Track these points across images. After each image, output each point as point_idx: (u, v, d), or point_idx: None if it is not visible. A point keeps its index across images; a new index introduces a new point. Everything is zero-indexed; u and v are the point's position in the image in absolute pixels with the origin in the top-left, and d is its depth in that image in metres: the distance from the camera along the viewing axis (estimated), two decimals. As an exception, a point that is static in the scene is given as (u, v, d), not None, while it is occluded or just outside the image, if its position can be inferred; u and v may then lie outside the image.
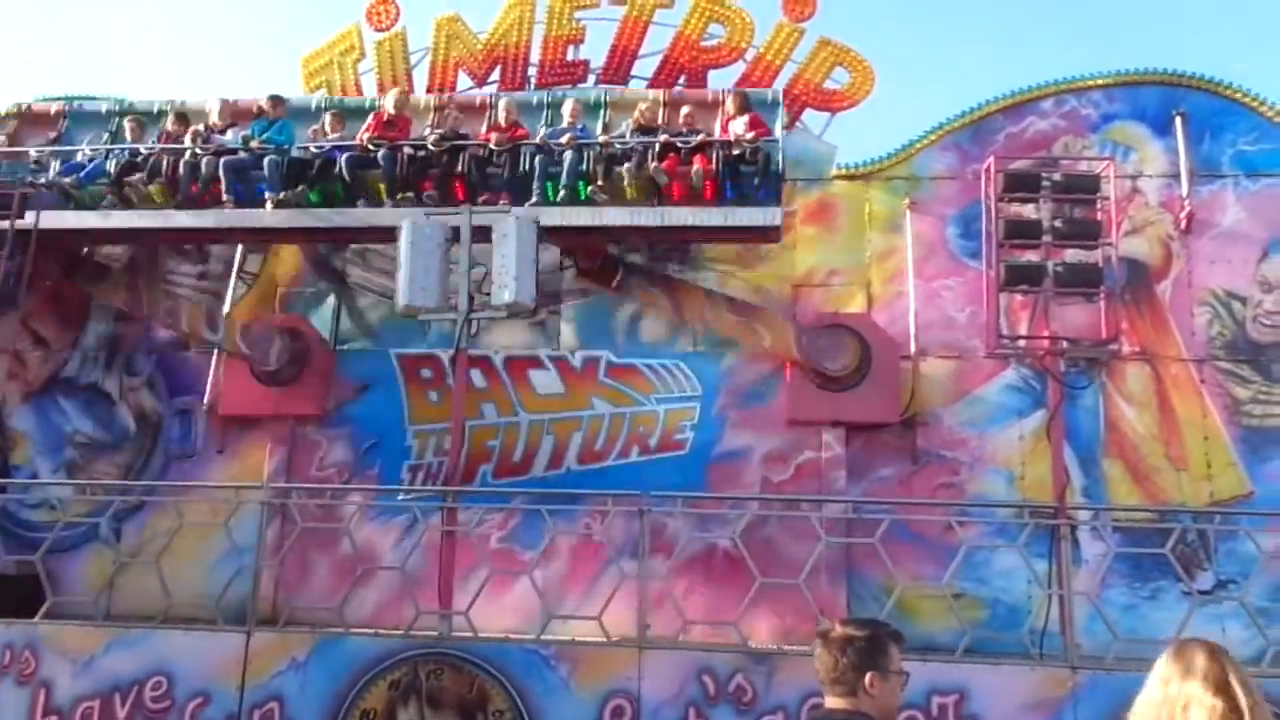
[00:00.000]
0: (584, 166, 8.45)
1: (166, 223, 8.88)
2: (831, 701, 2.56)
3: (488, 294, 7.83)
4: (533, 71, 10.69)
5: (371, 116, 9.05)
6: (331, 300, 10.40)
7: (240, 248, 10.32)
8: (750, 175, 8.37)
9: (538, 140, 8.68)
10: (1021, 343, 8.67)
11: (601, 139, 8.70)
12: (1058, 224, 8.18)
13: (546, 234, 8.06)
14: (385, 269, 10.05)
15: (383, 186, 8.61)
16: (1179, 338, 9.26)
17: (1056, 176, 8.44)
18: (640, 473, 9.33)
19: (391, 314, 9.54)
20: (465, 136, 8.81)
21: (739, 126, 8.56)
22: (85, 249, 9.70)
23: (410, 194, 8.46)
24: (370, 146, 8.67)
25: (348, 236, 9.38)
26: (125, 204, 8.87)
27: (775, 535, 8.68)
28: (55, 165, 9.15)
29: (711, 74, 10.49)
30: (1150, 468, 9.02)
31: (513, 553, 9.01)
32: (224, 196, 8.68)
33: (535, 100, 9.40)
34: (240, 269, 10.42)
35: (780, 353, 9.29)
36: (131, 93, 11.53)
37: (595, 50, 10.67)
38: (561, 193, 8.40)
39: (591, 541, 8.71)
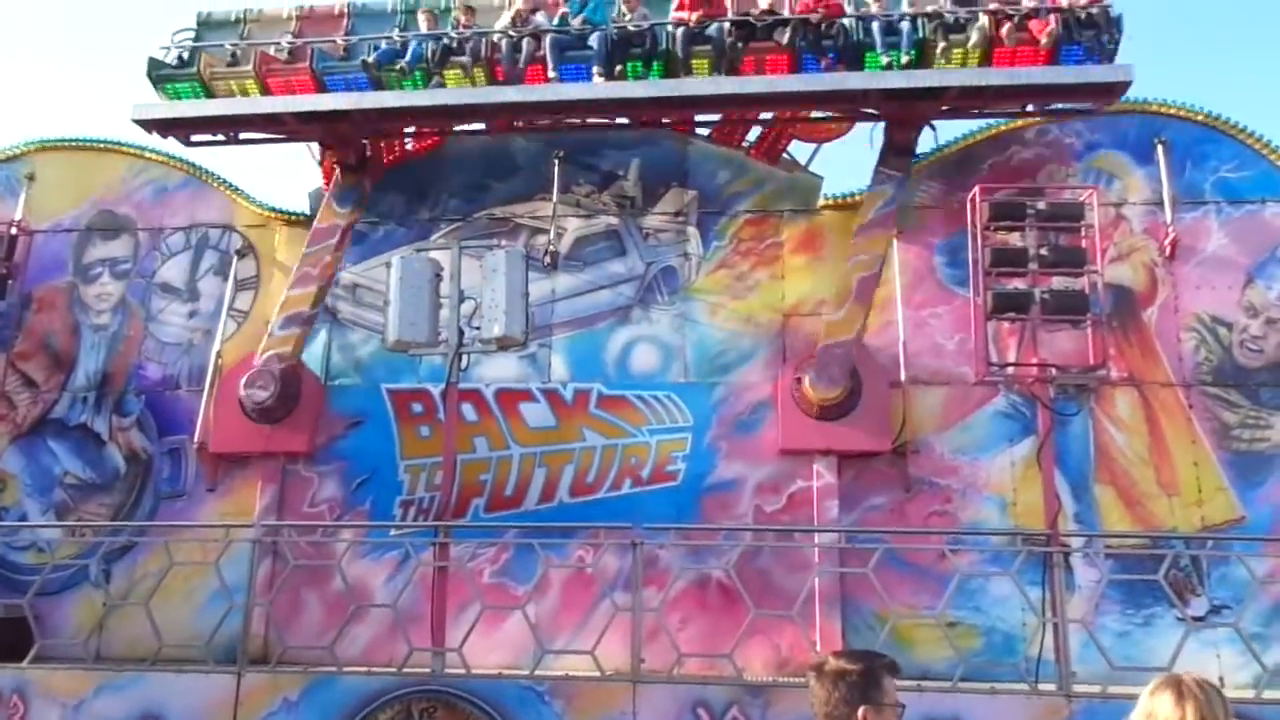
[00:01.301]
0: (918, 36, 8.70)
1: (499, 99, 9.19)
2: None
3: (478, 328, 7.86)
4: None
5: None
6: (323, 336, 10.41)
7: (230, 285, 10.35)
8: (1087, 39, 8.57)
9: (859, 13, 8.96)
10: (1010, 370, 8.72)
11: (930, 9, 8.92)
12: (1043, 252, 8.28)
13: (882, 99, 8.84)
14: (375, 304, 10.08)
15: (707, 62, 8.88)
16: (1166, 363, 9.32)
17: (1041, 205, 8.55)
18: (633, 504, 9.31)
19: (382, 349, 9.54)
20: (779, 14, 9.01)
21: None
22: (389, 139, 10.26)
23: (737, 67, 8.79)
24: (696, 22, 8.84)
25: (675, 109, 9.59)
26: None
27: (769, 566, 8.66)
28: (367, 53, 9.34)
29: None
30: (1141, 493, 9.03)
31: (506, 587, 8.96)
32: (550, 73, 8.92)
33: None
34: (231, 306, 10.44)
35: (824, 330, 9.40)
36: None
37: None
38: (904, 58, 8.68)
39: (584, 574, 8.68)
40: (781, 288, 9.99)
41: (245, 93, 9.64)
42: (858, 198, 10.07)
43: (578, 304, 10.17)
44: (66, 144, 11.31)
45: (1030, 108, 9.51)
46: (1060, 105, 9.37)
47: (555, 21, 9.23)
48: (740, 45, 8.88)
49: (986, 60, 8.79)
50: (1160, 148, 9.71)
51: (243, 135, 10.09)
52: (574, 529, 8.80)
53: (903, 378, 9.40)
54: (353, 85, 9.39)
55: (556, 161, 10.24)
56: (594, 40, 8.92)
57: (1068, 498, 8.89)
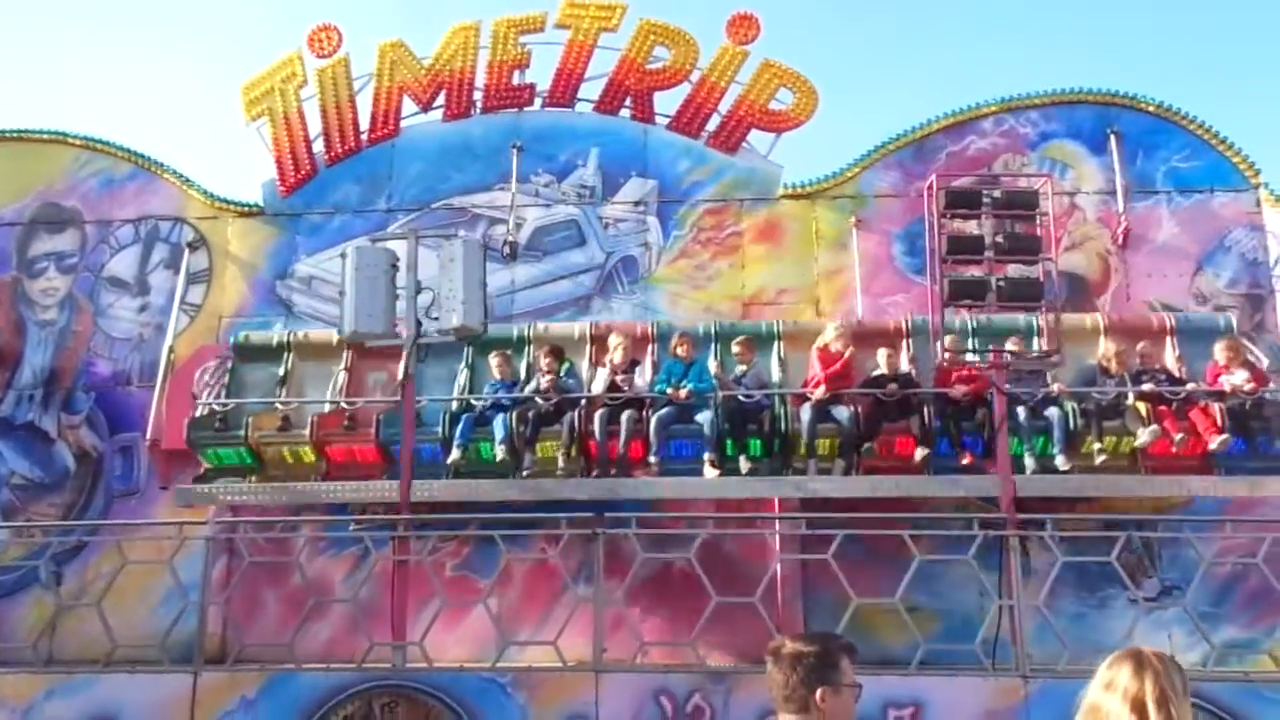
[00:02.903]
0: (1072, 425, 7.95)
1: (604, 494, 8.22)
2: (784, 719, 2.55)
3: (436, 318, 7.77)
4: (478, 96, 10.69)
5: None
6: (278, 328, 10.24)
7: (182, 278, 10.15)
8: (1262, 430, 7.88)
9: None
10: (967, 356, 8.79)
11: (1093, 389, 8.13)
12: (999, 240, 8.34)
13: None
14: (331, 296, 9.92)
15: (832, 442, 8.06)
16: (1119, 349, 9.44)
17: (997, 193, 8.61)
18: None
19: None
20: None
21: (1240, 379, 7.96)
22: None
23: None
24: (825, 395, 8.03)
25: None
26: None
27: (731, 553, 8.67)
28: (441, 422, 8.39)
29: (658, 96, 10.58)
30: (1095, 476, 9.15)
31: (468, 580, 8.89)
32: (651, 458, 8.11)
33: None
34: (183, 300, 10.23)
35: None
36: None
37: (541, 74, 10.71)
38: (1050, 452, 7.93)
39: (547, 565, 8.64)
40: (741, 277, 10.01)
41: (299, 460, 8.75)
42: (817, 186, 10.12)
43: (537, 294, 10.12)
44: (9, 135, 11.01)
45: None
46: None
47: (654, 383, 8.25)
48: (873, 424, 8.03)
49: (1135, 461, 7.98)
50: (1113, 138, 9.86)
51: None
52: (536, 521, 8.74)
53: (863, 365, 9.44)
54: (426, 454, 8.32)
55: (515, 151, 10.16)
56: (703, 419, 7.97)
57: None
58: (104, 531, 9.06)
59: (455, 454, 8.30)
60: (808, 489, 8.07)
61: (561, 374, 8.41)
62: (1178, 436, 7.93)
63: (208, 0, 25.40)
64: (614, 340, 8.51)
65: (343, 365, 9.07)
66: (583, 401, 8.28)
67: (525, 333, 9.26)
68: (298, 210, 10.52)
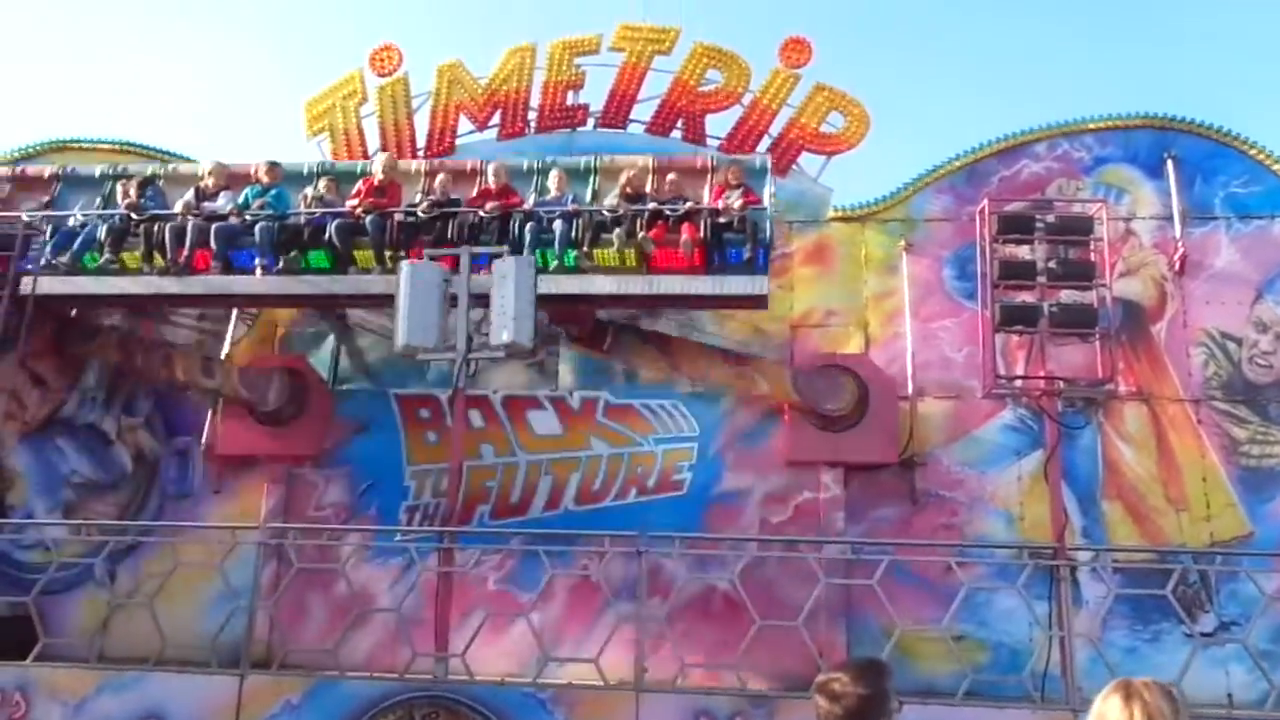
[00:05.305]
0: (574, 234, 8.51)
1: (155, 289, 8.91)
2: None
3: (486, 334, 7.86)
4: (533, 116, 10.85)
5: (361, 182, 9.11)
6: (331, 340, 10.44)
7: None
8: (738, 243, 8.44)
9: (526, 208, 8.74)
10: (1018, 383, 8.68)
11: (591, 206, 8.77)
12: (1052, 265, 8.25)
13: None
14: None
15: (371, 253, 8.67)
16: (1175, 378, 9.28)
17: (1050, 218, 8.53)
18: (638, 513, 9.28)
19: (391, 354, 9.56)
20: (456, 203, 8.83)
21: (734, 199, 8.62)
22: (76, 312, 9.75)
23: (402, 257, 8.36)
24: (361, 214, 8.69)
25: (336, 303, 9.46)
26: (121, 267, 8.90)
27: (774, 577, 8.61)
28: (48, 230, 9.04)
29: (709, 118, 10.65)
30: (1150, 508, 8.99)
31: (510, 594, 8.93)
32: (212, 263, 8.74)
33: (525, 166, 9.39)
34: (242, 309, 10.46)
35: (778, 396, 9.31)
36: (134, 135, 11.72)
37: (594, 95, 10.86)
38: (554, 262, 8.48)
39: (589, 583, 8.66)
40: (790, 298, 9.98)
41: None
42: (867, 209, 10.10)
43: (586, 312, 10.15)
44: (81, 144, 11.36)
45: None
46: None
47: (239, 201, 8.99)
48: (402, 238, 8.60)
49: (642, 259, 8.52)
50: (1170, 162, 9.70)
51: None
52: (579, 537, 8.78)
53: (910, 390, 9.38)
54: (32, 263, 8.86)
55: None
56: (259, 231, 8.67)
57: (1075, 512, 8.86)
58: (158, 533, 9.26)
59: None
60: (325, 287, 8.82)
61: (145, 196, 9.13)
62: (649, 239, 8.38)
63: (279, 23, 26.12)
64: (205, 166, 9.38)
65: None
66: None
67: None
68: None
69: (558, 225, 8.50)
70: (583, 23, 10.94)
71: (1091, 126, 10.04)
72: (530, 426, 9.90)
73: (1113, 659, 6.99)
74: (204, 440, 9.97)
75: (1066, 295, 8.53)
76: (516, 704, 6.77)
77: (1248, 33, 23.18)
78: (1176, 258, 9.47)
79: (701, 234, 8.40)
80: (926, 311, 9.73)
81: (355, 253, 8.76)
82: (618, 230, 8.44)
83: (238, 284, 8.88)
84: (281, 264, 8.75)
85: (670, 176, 9.00)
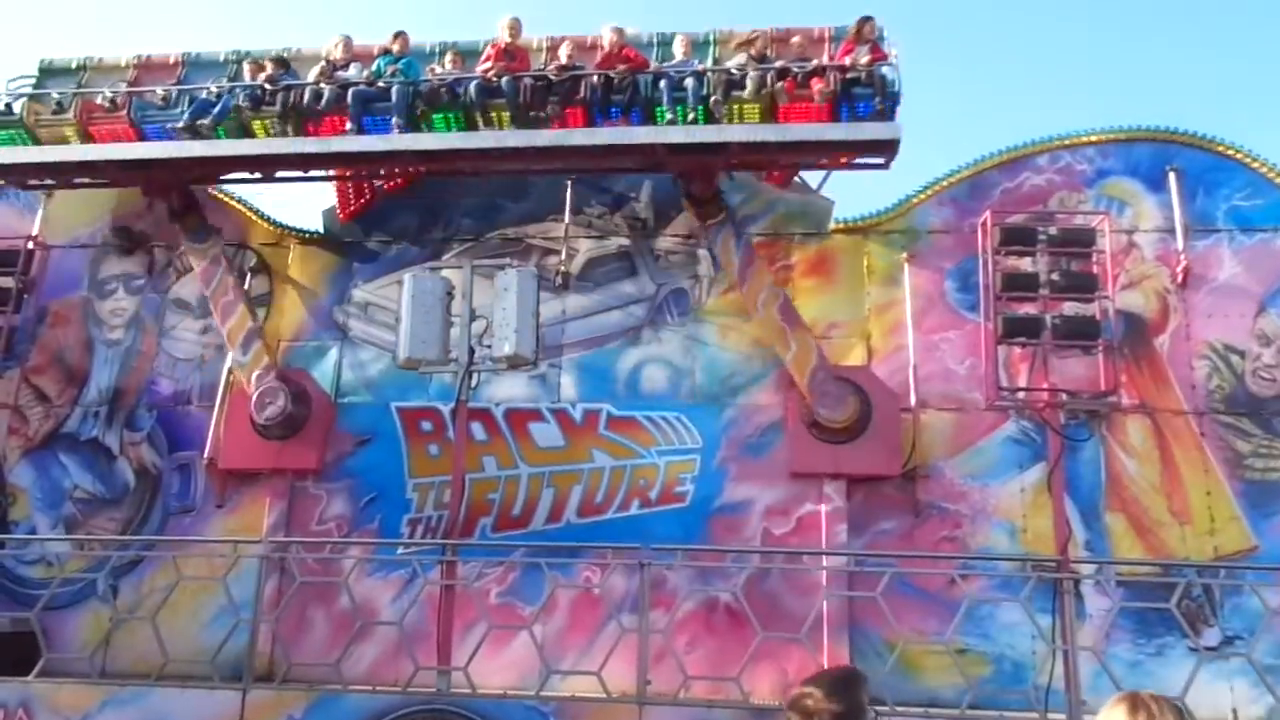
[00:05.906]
0: (705, 92, 8.74)
1: (294, 149, 9.29)
2: None
3: (488, 346, 7.88)
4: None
5: (490, 47, 9.39)
6: (333, 353, 10.46)
7: (243, 307, 10.37)
8: (867, 96, 8.62)
9: (656, 68, 9.03)
10: (1021, 395, 8.69)
11: (720, 67, 8.97)
12: (1054, 277, 8.28)
13: (669, 153, 8.80)
14: (387, 322, 10.14)
15: (506, 115, 8.99)
16: (1178, 391, 9.27)
17: (1052, 230, 8.56)
18: (641, 525, 9.28)
19: (392, 367, 9.59)
20: (582, 68, 9.09)
21: (863, 55, 8.83)
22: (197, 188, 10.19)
23: (541, 117, 8.84)
24: (493, 77, 9.01)
25: (469, 160, 9.56)
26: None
27: (777, 589, 8.62)
28: (184, 105, 9.42)
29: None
30: (1153, 521, 8.96)
31: (513, 607, 8.93)
32: (348, 126, 9.06)
33: (646, 38, 9.57)
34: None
35: (793, 372, 9.27)
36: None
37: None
38: (690, 115, 8.74)
39: (591, 595, 8.65)
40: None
41: (67, 140, 9.63)
42: (869, 221, 10.11)
43: (588, 324, 10.20)
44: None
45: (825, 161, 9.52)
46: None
47: (369, 72, 9.35)
48: (535, 99, 8.93)
49: (770, 117, 8.78)
50: (1172, 175, 9.71)
51: (76, 180, 10.23)
52: (581, 549, 8.77)
53: (913, 402, 9.38)
54: (169, 134, 9.44)
55: (569, 183, 10.30)
56: (394, 93, 9.03)
57: (1078, 525, 8.83)
58: (160, 547, 9.27)
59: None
60: (472, 142, 9.14)
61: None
62: (778, 89, 8.61)
63: (282, 33, 26.17)
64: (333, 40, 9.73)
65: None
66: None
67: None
68: (356, 237, 10.76)
69: (689, 83, 8.74)
70: (583, 23, 10.88)
71: (1093, 139, 10.06)
72: (532, 439, 9.90)
73: (1116, 673, 6.97)
74: (206, 455, 9.97)
75: (1069, 307, 8.56)
76: (519, 717, 6.76)
77: (1251, 43, 23.24)
78: (1179, 270, 9.47)
79: (831, 88, 8.60)
80: (929, 323, 9.73)
81: (492, 114, 9.08)
82: (749, 80, 8.61)
83: (374, 143, 9.13)
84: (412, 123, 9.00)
85: (795, 39, 9.20)
